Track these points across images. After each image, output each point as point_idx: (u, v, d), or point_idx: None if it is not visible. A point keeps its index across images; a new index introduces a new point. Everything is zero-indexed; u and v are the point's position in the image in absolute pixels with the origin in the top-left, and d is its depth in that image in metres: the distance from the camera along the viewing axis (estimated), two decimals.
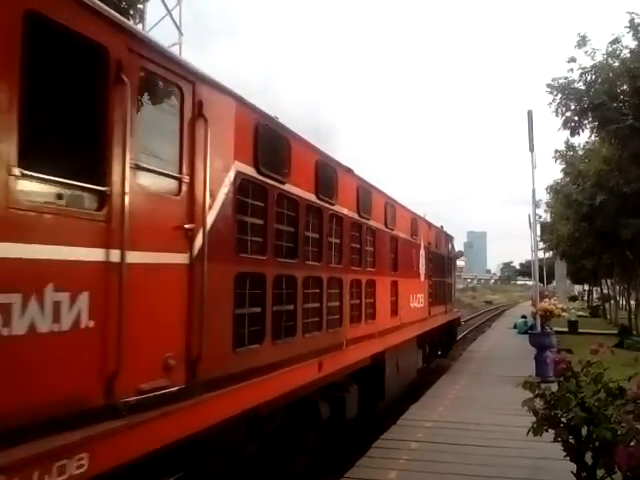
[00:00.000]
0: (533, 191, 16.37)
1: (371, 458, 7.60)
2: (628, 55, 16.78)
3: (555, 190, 27.16)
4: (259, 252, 5.65)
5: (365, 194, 9.33)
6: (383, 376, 10.12)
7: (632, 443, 3.87)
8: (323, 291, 7.31)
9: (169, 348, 4.16)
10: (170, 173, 4.24)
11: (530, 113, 15.82)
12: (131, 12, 12.31)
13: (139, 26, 16.14)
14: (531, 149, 15.86)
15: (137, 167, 3.84)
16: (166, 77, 4.28)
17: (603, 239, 22.74)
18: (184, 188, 4.35)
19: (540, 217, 31.44)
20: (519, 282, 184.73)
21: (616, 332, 25.68)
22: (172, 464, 4.31)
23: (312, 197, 7.07)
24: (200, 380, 4.42)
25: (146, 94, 4.10)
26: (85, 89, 3.69)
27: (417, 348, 13.53)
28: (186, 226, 4.35)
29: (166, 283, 4.19)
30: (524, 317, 28.23)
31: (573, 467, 4.49)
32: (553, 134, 18.81)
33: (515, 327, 29.12)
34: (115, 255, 3.63)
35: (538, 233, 25.22)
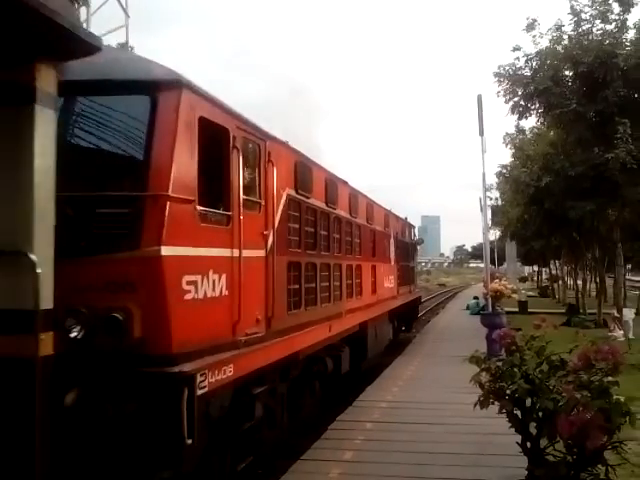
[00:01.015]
0: (483, 175, 16.70)
1: (327, 440, 7.69)
2: (568, 41, 17.21)
3: (504, 175, 27.76)
4: (297, 246, 8.18)
5: (354, 198, 11.85)
6: (366, 341, 12.33)
7: (573, 412, 4.05)
8: (331, 273, 9.79)
9: (258, 310, 6.51)
10: (255, 200, 6.53)
11: (480, 98, 16.07)
12: None
13: (82, 9, 15.70)
14: (481, 133, 16.16)
15: (243, 198, 6.05)
16: (253, 140, 6.64)
17: (551, 221, 23.37)
18: (262, 208, 6.71)
19: (492, 199, 32.16)
20: (472, 265, 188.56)
21: (564, 311, 26.51)
22: (260, 381, 6.58)
23: (323, 205, 9.51)
24: (272, 330, 6.78)
25: (243, 153, 6.22)
26: (218, 154, 5.86)
27: (389, 322, 15.72)
28: (264, 232, 6.74)
29: (256, 269, 6.46)
30: (476, 298, 28.88)
31: (517, 441, 4.66)
32: (503, 118, 19.21)
33: (468, 308, 29.76)
34: (236, 252, 5.92)
35: (489, 216, 25.86)
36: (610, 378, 4.18)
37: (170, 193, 4.91)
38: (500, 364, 4.41)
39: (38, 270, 3.23)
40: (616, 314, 18.58)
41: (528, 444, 4.43)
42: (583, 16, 16.92)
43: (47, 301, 3.31)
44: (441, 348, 16.21)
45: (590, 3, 16.89)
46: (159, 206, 4.89)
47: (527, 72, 17.61)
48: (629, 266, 45.07)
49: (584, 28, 16.91)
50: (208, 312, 5.44)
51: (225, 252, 5.81)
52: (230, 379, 5.54)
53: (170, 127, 5.09)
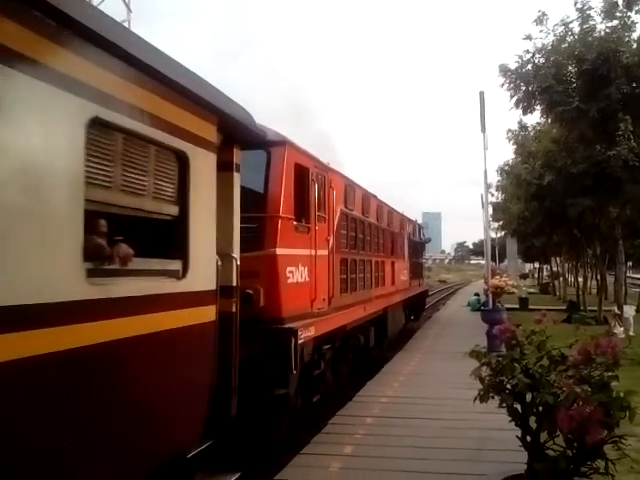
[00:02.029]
0: (485, 172, 16.73)
1: (327, 434, 7.73)
2: (573, 38, 17.17)
3: (505, 171, 27.72)
4: (345, 247, 11.06)
5: (380, 208, 14.80)
6: (387, 323, 15.00)
7: (573, 407, 4.05)
8: (365, 267, 12.69)
9: (324, 292, 9.24)
10: (323, 215, 9.37)
11: (482, 94, 16.08)
12: None
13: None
14: (483, 130, 16.16)
15: (317, 214, 8.90)
16: (321, 173, 9.44)
17: (552, 218, 23.36)
18: (326, 220, 9.53)
19: (493, 195, 32.13)
20: (472, 261, 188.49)
21: (565, 308, 26.52)
22: (327, 342, 9.33)
23: (360, 215, 12.46)
24: (331, 307, 9.55)
25: (317, 183, 8.99)
26: (303, 184, 8.52)
27: (403, 309, 18.59)
28: (327, 237, 9.56)
29: (323, 263, 9.28)
30: (477, 294, 28.84)
31: (517, 436, 4.66)
32: (506, 114, 19.19)
33: (468, 305, 29.76)
34: (312, 252, 8.74)
35: (490, 213, 25.85)
36: (610, 373, 4.19)
37: (280, 214, 7.68)
38: (500, 358, 4.41)
39: (237, 264, 5.61)
40: (617, 311, 18.59)
41: (528, 438, 4.43)
42: (589, 12, 16.86)
43: (237, 281, 5.63)
44: (441, 344, 16.23)
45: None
46: (274, 222, 7.66)
47: (530, 69, 17.56)
48: (630, 263, 45.03)
49: (589, 24, 16.85)
50: (299, 292, 8.27)
51: (307, 252, 8.64)
52: (311, 337, 8.29)
53: (279, 172, 7.85)
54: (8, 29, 2.84)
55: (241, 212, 5.82)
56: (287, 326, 7.55)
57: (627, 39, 16.64)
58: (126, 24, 16.80)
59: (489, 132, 15.92)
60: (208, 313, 5.01)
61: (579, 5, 16.92)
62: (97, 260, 3.70)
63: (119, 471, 3.81)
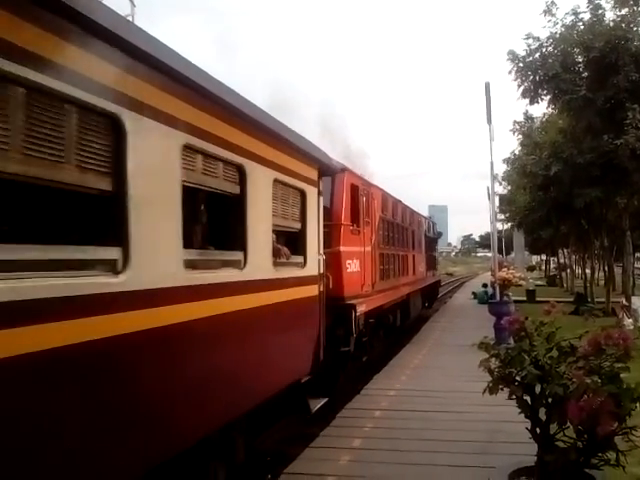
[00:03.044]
0: (491, 163, 16.58)
1: (336, 427, 7.73)
2: (582, 27, 17.06)
3: (512, 162, 27.57)
4: (382, 244, 13.90)
5: (404, 210, 17.62)
6: (409, 306, 17.92)
7: (583, 398, 4.02)
8: (394, 260, 15.50)
9: (369, 278, 11.99)
10: (368, 220, 12.11)
11: (487, 85, 15.94)
12: None
13: None
14: (489, 122, 16.02)
15: (364, 219, 11.67)
16: (366, 188, 12.24)
17: (558, 209, 23.25)
18: (370, 224, 12.32)
19: (501, 184, 31.98)
20: (479, 254, 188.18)
21: (572, 300, 26.39)
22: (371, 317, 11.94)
23: (391, 218, 15.39)
24: (374, 290, 12.23)
25: (364, 197, 11.86)
26: (355, 198, 11.21)
27: (420, 295, 21.25)
28: (371, 237, 12.36)
29: (368, 256, 12.01)
30: (485, 286, 28.60)
31: (527, 427, 4.64)
32: (512, 106, 19.10)
33: (475, 297, 29.65)
34: (361, 248, 11.48)
35: (497, 205, 25.72)
36: (621, 364, 4.15)
37: (342, 222, 10.48)
38: (509, 350, 4.38)
39: (323, 259, 7.97)
40: (625, 302, 18.52)
41: (538, 430, 4.40)
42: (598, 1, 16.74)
43: (324, 270, 8.03)
44: (449, 337, 16.20)
45: None
46: (338, 228, 10.35)
47: (538, 57, 17.45)
48: (638, 254, 44.78)
49: (599, 12, 16.72)
50: (354, 278, 10.90)
51: (358, 248, 11.33)
52: (363, 312, 10.86)
53: (341, 192, 10.56)
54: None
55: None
56: (349, 302, 10.22)
57: (636, 27, 16.51)
58: (130, 18, 16.80)
59: (495, 124, 15.80)
60: (316, 289, 7.75)
61: None
62: (276, 257, 6.40)
63: (280, 378, 6.66)
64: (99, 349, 3.46)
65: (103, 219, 3.79)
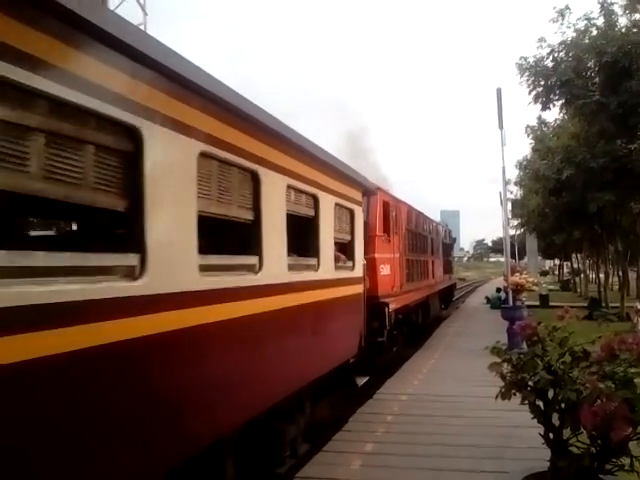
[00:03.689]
0: (503, 169, 16.51)
1: (348, 432, 7.72)
2: (595, 33, 17.01)
3: (524, 166, 27.49)
4: (407, 251, 15.68)
5: (424, 220, 19.93)
6: (429, 307, 19.91)
7: (596, 403, 4.01)
8: (417, 265, 17.49)
9: (398, 281, 13.97)
10: (396, 230, 14.12)
11: (499, 91, 15.90)
12: None
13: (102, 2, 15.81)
14: (500, 127, 15.98)
15: (393, 230, 13.76)
16: (395, 204, 14.46)
17: (571, 213, 23.14)
18: (397, 234, 14.38)
19: (512, 192, 31.85)
20: (491, 259, 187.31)
21: (586, 305, 26.21)
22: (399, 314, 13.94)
23: (414, 229, 17.46)
24: (401, 290, 14.19)
25: (394, 211, 14.07)
26: (387, 213, 13.32)
27: (438, 297, 23.14)
28: (398, 245, 14.36)
29: (397, 262, 14.05)
30: (499, 290, 28.26)
31: (540, 433, 4.62)
32: (524, 110, 19.05)
33: (488, 302, 29.49)
34: (391, 255, 13.50)
35: (509, 209, 25.60)
36: (634, 369, 4.13)
37: (377, 233, 12.41)
38: (522, 355, 4.37)
39: (364, 263, 9.91)
40: (639, 307, 18.34)
41: (551, 435, 4.38)
42: (611, 7, 16.69)
43: (364, 273, 10.05)
44: (461, 342, 16.14)
45: None
46: (373, 238, 12.08)
47: (549, 63, 17.42)
48: None
49: (611, 18, 16.67)
50: (386, 280, 12.72)
51: (388, 255, 13.23)
52: (394, 308, 12.81)
53: (375, 208, 12.50)
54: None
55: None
56: (382, 300, 12.13)
57: None
58: (142, 27, 16.93)
59: (507, 128, 15.76)
60: (361, 288, 9.77)
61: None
62: (339, 262, 8.55)
63: (339, 356, 8.74)
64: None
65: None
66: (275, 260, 6.03)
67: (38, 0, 3.00)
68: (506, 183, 18.74)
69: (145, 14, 18.32)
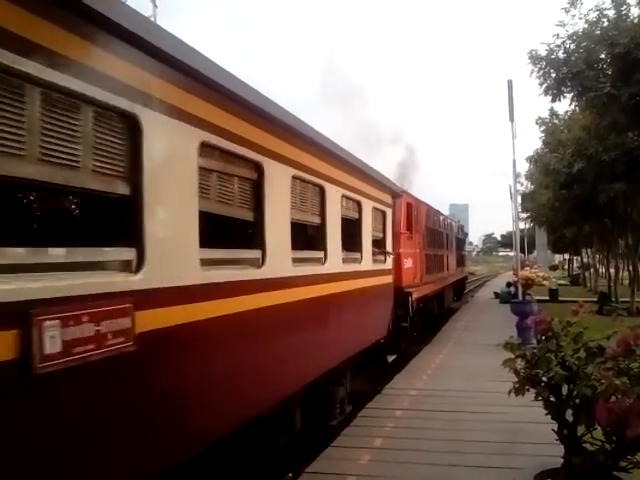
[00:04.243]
0: (514, 162, 16.41)
1: (357, 427, 7.69)
2: (607, 24, 16.80)
3: (534, 160, 27.29)
4: (427, 246, 17.33)
5: (440, 218, 21.62)
6: (444, 297, 21.81)
7: (611, 399, 3.93)
8: (434, 258, 18.81)
9: (420, 273, 15.65)
10: (417, 228, 15.81)
11: (510, 83, 15.76)
12: None
13: None
14: (511, 119, 15.86)
15: (414, 227, 15.35)
16: (417, 205, 16.21)
17: (581, 206, 22.95)
18: (418, 231, 15.96)
19: (522, 184, 31.65)
20: (501, 253, 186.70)
21: (596, 299, 26.03)
22: (421, 302, 15.84)
23: (432, 226, 18.92)
24: (421, 282, 15.67)
25: (415, 211, 15.66)
26: (409, 213, 14.81)
27: (452, 288, 25.27)
28: (419, 241, 16.04)
29: (418, 256, 15.69)
30: (509, 285, 27.87)
31: (554, 428, 4.55)
32: (535, 101, 18.86)
33: (497, 297, 29.32)
34: (413, 250, 14.99)
35: (519, 202, 25.44)
36: None
37: (402, 231, 13.53)
38: (536, 350, 4.30)
39: (392, 257, 11.74)
40: None
41: (565, 432, 4.32)
42: None
43: (392, 265, 11.75)
44: (470, 336, 16.05)
45: None
46: (398, 235, 12.89)
47: (561, 55, 17.23)
48: None
49: (623, 9, 16.45)
50: (409, 272, 13.97)
51: (411, 250, 14.60)
52: (416, 298, 14.15)
53: (400, 209, 13.54)
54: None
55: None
56: (406, 290, 13.38)
57: None
58: (152, 19, 16.88)
59: (518, 121, 15.64)
60: (391, 278, 11.40)
61: None
62: (377, 255, 10.24)
63: (375, 334, 10.36)
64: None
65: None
66: (335, 254, 7.70)
67: None
68: (516, 176, 18.67)
69: (155, 6, 18.29)
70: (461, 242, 30.49)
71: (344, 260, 8.12)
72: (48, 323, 2.89)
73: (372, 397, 9.30)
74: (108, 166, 3.47)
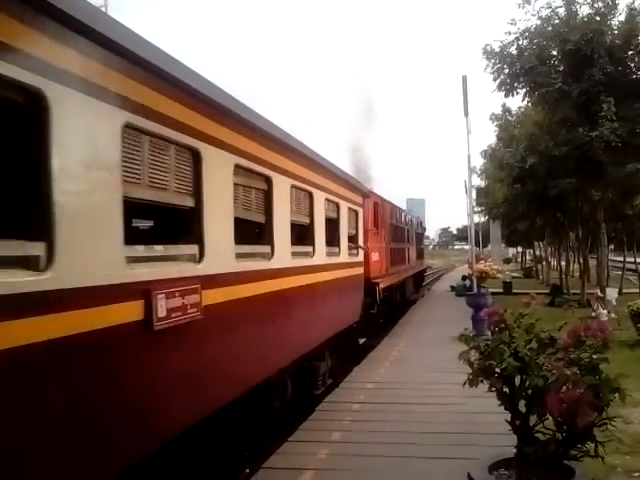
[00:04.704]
0: (468, 156, 16.71)
1: (314, 421, 7.68)
2: (558, 21, 17.16)
3: (489, 155, 27.75)
4: (391, 240, 18.93)
5: (402, 215, 23.45)
6: (405, 288, 23.47)
7: (562, 389, 4.01)
8: (398, 252, 20.51)
9: (385, 265, 17.11)
10: (382, 224, 17.27)
11: (465, 78, 16.00)
12: None
13: None
14: (466, 114, 16.12)
15: (380, 224, 16.71)
16: (382, 204, 17.56)
17: (535, 201, 23.44)
18: (383, 227, 17.48)
19: (479, 176, 32.16)
20: (456, 247, 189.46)
21: (548, 292, 26.70)
22: (386, 292, 17.08)
23: (395, 222, 20.62)
24: (387, 274, 17.25)
25: (381, 209, 17.16)
26: (376, 211, 16.37)
27: (412, 279, 26.92)
28: (385, 236, 17.73)
29: (384, 250, 17.09)
30: (464, 278, 28.44)
31: (507, 418, 4.62)
32: (489, 98, 19.15)
33: (453, 289, 29.79)
34: (379, 244, 16.50)
35: (474, 198, 25.86)
36: (599, 355, 4.14)
37: (369, 227, 14.56)
38: (489, 342, 4.35)
39: (364, 251, 13.36)
40: (599, 294, 18.75)
41: (517, 422, 4.38)
42: None
43: (363, 258, 13.18)
44: (426, 329, 16.25)
45: None
46: (366, 231, 13.91)
47: (514, 51, 17.53)
48: (611, 246, 45.45)
49: (573, 7, 16.83)
50: (376, 265, 15.21)
51: (378, 244, 15.86)
52: (382, 287, 15.29)
53: (368, 207, 14.64)
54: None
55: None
56: (374, 281, 14.58)
57: (610, 21, 16.66)
58: (103, 9, 16.46)
59: (473, 116, 15.93)
60: (362, 270, 12.75)
61: None
62: (351, 249, 11.84)
63: (349, 319, 11.68)
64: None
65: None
66: (320, 249, 9.01)
67: None
68: (471, 171, 18.95)
69: None
70: (420, 237, 32.75)
71: (327, 254, 9.48)
72: (159, 296, 4.22)
73: (330, 390, 9.31)
74: (182, 187, 4.79)
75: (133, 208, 4.37)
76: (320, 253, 8.95)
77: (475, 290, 15.35)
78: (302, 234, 8.45)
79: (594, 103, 16.51)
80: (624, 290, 28.12)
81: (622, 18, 16.82)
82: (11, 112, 3.19)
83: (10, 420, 2.99)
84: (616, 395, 4.04)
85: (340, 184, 10.70)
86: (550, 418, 4.18)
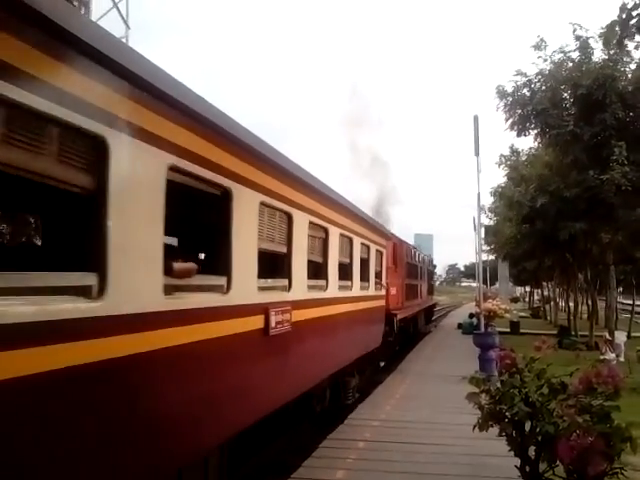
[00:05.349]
0: (478, 195, 16.69)
1: (318, 458, 7.57)
2: (571, 65, 17.38)
3: (499, 193, 27.78)
4: (406, 277, 21.33)
5: (416, 253, 25.46)
6: (417, 320, 25.51)
7: (573, 436, 3.96)
8: (413, 287, 23.53)
9: (401, 298, 19.42)
10: (400, 263, 19.84)
11: (476, 118, 16.13)
12: (75, 2, 11.97)
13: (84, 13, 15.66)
14: (476, 153, 16.18)
15: (398, 263, 19.49)
16: (400, 244, 20.26)
17: (543, 241, 23.40)
18: (401, 266, 19.94)
19: (487, 215, 32.17)
20: (464, 284, 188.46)
21: (556, 333, 26.46)
22: (402, 323, 19.57)
23: (410, 260, 22.94)
24: (403, 306, 19.60)
25: (399, 249, 19.57)
26: (395, 253, 18.91)
27: (424, 313, 29.21)
28: (402, 273, 20.27)
29: (400, 285, 19.47)
30: (472, 316, 28.16)
31: (515, 463, 4.56)
32: (499, 137, 19.32)
33: (460, 327, 29.54)
34: (397, 280, 19.11)
35: (482, 235, 25.82)
36: (611, 402, 4.10)
37: (389, 265, 16.69)
38: (500, 386, 4.32)
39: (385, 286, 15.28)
40: (608, 336, 18.57)
41: (527, 468, 4.33)
42: (586, 36, 17.08)
43: (385, 292, 15.47)
44: (433, 367, 16.09)
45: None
46: (387, 269, 15.84)
47: (526, 92, 17.73)
48: (620, 289, 45.13)
49: (587, 52, 17.05)
50: (394, 298, 17.39)
51: (396, 280, 18.20)
52: (399, 318, 17.56)
53: (390, 249, 16.85)
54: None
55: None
56: (392, 312, 16.40)
57: (622, 67, 16.84)
58: (124, 40, 16.82)
59: (483, 155, 16.04)
60: (383, 302, 14.68)
61: (578, 33, 17.15)
62: (377, 284, 13.70)
63: (372, 344, 13.43)
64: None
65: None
66: (356, 283, 11.00)
67: None
68: (480, 209, 18.97)
69: (127, 27, 18.25)
70: (431, 273, 36.32)
71: (361, 287, 11.46)
72: (272, 312, 6.19)
73: (335, 427, 9.21)
74: (280, 237, 7.00)
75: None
76: (356, 287, 10.99)
77: (482, 329, 15.22)
78: (345, 271, 10.33)
79: (605, 147, 16.61)
80: (633, 333, 27.82)
81: (633, 66, 17.03)
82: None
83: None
84: (627, 444, 3.99)
85: (370, 230, 12.73)
86: (560, 465, 4.13)
